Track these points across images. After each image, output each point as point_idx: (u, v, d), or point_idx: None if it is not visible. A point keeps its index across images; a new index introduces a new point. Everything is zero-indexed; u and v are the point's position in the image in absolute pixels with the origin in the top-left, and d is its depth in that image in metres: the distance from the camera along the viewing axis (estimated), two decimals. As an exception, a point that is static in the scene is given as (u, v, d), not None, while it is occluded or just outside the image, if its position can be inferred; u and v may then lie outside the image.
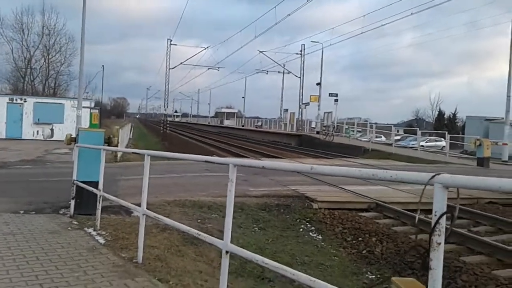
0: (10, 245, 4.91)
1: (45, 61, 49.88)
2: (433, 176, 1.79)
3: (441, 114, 64.40)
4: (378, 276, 6.08)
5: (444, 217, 1.80)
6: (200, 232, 3.55)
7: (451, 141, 28.03)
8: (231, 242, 3.11)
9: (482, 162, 19.41)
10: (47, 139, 26.37)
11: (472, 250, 6.93)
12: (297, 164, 2.80)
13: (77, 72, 47.55)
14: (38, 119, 26.76)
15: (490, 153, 19.87)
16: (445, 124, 57.39)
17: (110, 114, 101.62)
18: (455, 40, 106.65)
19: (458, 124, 57.89)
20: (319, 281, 2.35)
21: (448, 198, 1.86)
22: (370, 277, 6.11)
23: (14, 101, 27.21)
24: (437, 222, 1.78)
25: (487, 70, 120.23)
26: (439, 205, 1.80)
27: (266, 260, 2.73)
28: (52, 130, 27.05)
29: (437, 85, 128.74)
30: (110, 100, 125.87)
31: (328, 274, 6.04)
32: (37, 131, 26.97)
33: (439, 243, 1.79)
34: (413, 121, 73.27)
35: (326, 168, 2.37)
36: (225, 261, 3.14)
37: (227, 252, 3.10)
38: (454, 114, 61.80)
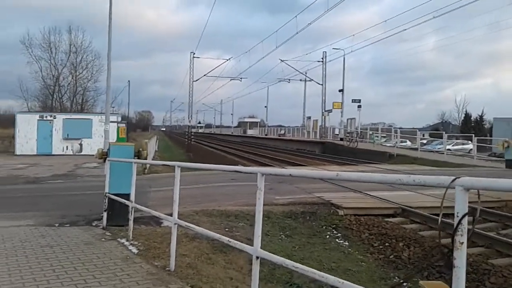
0: (48, 256, 5.15)
1: (72, 78, 51.52)
2: (454, 179, 1.88)
3: (467, 116, 63.29)
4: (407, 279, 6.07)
5: (466, 218, 1.89)
6: (230, 239, 3.69)
7: (478, 144, 27.53)
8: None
9: (511, 164, 19.01)
10: (76, 154, 27.10)
11: (500, 252, 6.85)
12: (323, 171, 2.91)
13: (104, 88, 48.88)
14: (68, 135, 27.57)
15: (519, 155, 19.44)
16: (472, 126, 56.35)
17: (135, 127, 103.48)
18: (478, 42, 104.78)
19: (486, 126, 56.76)
20: (347, 282, 2.45)
21: (472, 202, 1.94)
22: (398, 281, 6.11)
23: (44, 118, 28.11)
24: (459, 222, 1.87)
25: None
26: (461, 207, 1.89)
27: (296, 264, 2.84)
28: (81, 145, 27.79)
29: (462, 87, 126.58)
30: (136, 113, 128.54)
31: (356, 279, 6.07)
32: (67, 147, 27.76)
33: (462, 243, 1.87)
34: (439, 124, 72.17)
35: (352, 174, 2.48)
36: (256, 267, 3.26)
37: (257, 257, 3.22)
38: (481, 116, 60.67)
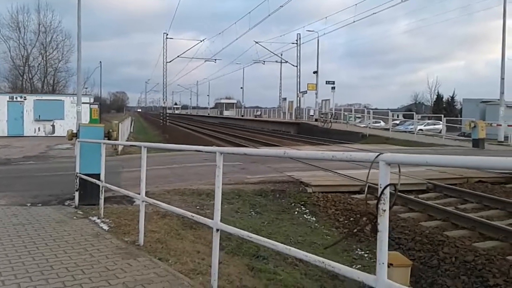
0: (20, 233, 5.30)
1: (42, 58, 50.19)
2: (377, 155, 2.15)
3: (439, 97, 64.68)
4: (367, 251, 6.46)
5: (388, 188, 2.16)
6: (193, 214, 3.93)
7: (448, 124, 28.36)
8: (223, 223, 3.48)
9: (478, 143, 19.74)
10: (49, 135, 26.82)
11: (456, 225, 7.32)
12: (274, 150, 3.15)
13: (75, 68, 47.68)
14: (39, 116, 27.16)
15: (484, 135, 20.17)
16: (443, 107, 57.68)
17: (109, 108, 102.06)
18: (450, 25, 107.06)
19: (457, 107, 58.15)
20: (295, 249, 2.73)
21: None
22: (360, 253, 6.50)
23: (15, 99, 27.57)
24: (381, 193, 2.14)
25: (484, 53, 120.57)
26: (383, 179, 2.15)
27: (250, 234, 3.11)
28: (53, 126, 27.48)
29: (435, 69, 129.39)
30: (110, 94, 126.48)
31: (320, 252, 6.42)
32: (39, 128, 27.39)
33: (384, 210, 2.15)
34: (412, 105, 73.53)
35: (295, 152, 2.72)
36: (216, 238, 3.52)
37: (217, 230, 3.48)
38: (452, 97, 62.09)
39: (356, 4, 29.65)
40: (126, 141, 22.66)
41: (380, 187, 2.16)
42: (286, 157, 2.84)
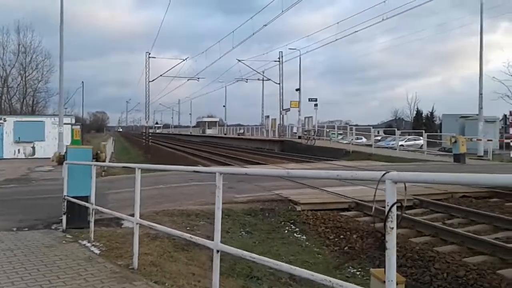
0: (11, 259, 5.17)
1: (22, 79, 49.60)
2: (384, 174, 2.20)
3: (419, 113, 65.97)
4: (359, 269, 6.49)
5: (395, 206, 2.20)
6: (192, 236, 3.91)
7: (429, 140, 28.89)
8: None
9: (459, 158, 20.05)
10: (29, 157, 26.30)
11: (445, 241, 7.41)
12: (276, 169, 3.18)
13: (55, 89, 47.26)
14: (19, 138, 26.66)
15: (465, 149, 20.54)
16: (423, 123, 58.81)
17: (89, 128, 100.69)
18: (427, 42, 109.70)
19: (436, 122, 59.34)
20: (299, 268, 2.74)
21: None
22: (352, 270, 6.52)
23: (-6, 121, 27.05)
24: (389, 210, 2.18)
25: (460, 69, 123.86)
26: (390, 197, 2.20)
27: (253, 255, 3.11)
28: (33, 148, 26.98)
29: (413, 86, 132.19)
30: (90, 114, 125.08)
31: (313, 270, 6.41)
32: (18, 150, 26.84)
33: (392, 228, 2.19)
34: (393, 121, 74.69)
35: (299, 172, 2.76)
36: (217, 260, 3.50)
37: (217, 251, 3.46)
38: (432, 113, 63.40)
39: (338, 23, 30.21)
40: (109, 162, 22.41)
41: (387, 205, 2.20)
42: (289, 177, 2.86)
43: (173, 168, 4.72)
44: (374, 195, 2.28)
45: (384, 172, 2.20)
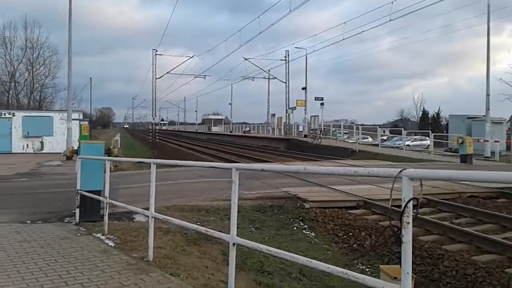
0: (28, 250, 5.31)
1: (29, 74, 49.77)
2: (400, 171, 2.29)
3: (425, 113, 65.71)
4: (369, 266, 6.57)
5: (411, 202, 2.30)
6: (207, 229, 4.02)
7: (435, 140, 28.85)
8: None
9: (466, 159, 20.07)
10: (37, 152, 26.55)
11: (453, 239, 7.48)
12: (291, 166, 3.27)
13: (62, 84, 47.66)
14: (28, 133, 26.92)
15: (472, 150, 20.54)
16: (429, 123, 58.58)
17: (95, 124, 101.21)
18: (433, 43, 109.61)
19: (442, 123, 59.12)
20: (315, 261, 2.83)
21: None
22: (361, 267, 6.60)
23: (3, 116, 27.32)
24: (405, 206, 2.27)
25: (467, 70, 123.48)
26: (407, 193, 2.29)
27: (270, 248, 3.21)
28: (42, 143, 27.23)
29: (419, 86, 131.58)
30: (96, 110, 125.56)
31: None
32: (27, 145, 27.11)
33: (408, 222, 2.28)
34: (398, 121, 74.50)
35: (317, 168, 2.85)
36: (233, 253, 3.61)
37: (234, 244, 3.57)
38: (438, 113, 63.13)
39: (345, 23, 30.21)
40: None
41: (404, 201, 2.29)
42: (306, 173, 2.96)
43: (190, 163, 4.83)
44: (391, 191, 2.37)
45: (401, 168, 2.29)
